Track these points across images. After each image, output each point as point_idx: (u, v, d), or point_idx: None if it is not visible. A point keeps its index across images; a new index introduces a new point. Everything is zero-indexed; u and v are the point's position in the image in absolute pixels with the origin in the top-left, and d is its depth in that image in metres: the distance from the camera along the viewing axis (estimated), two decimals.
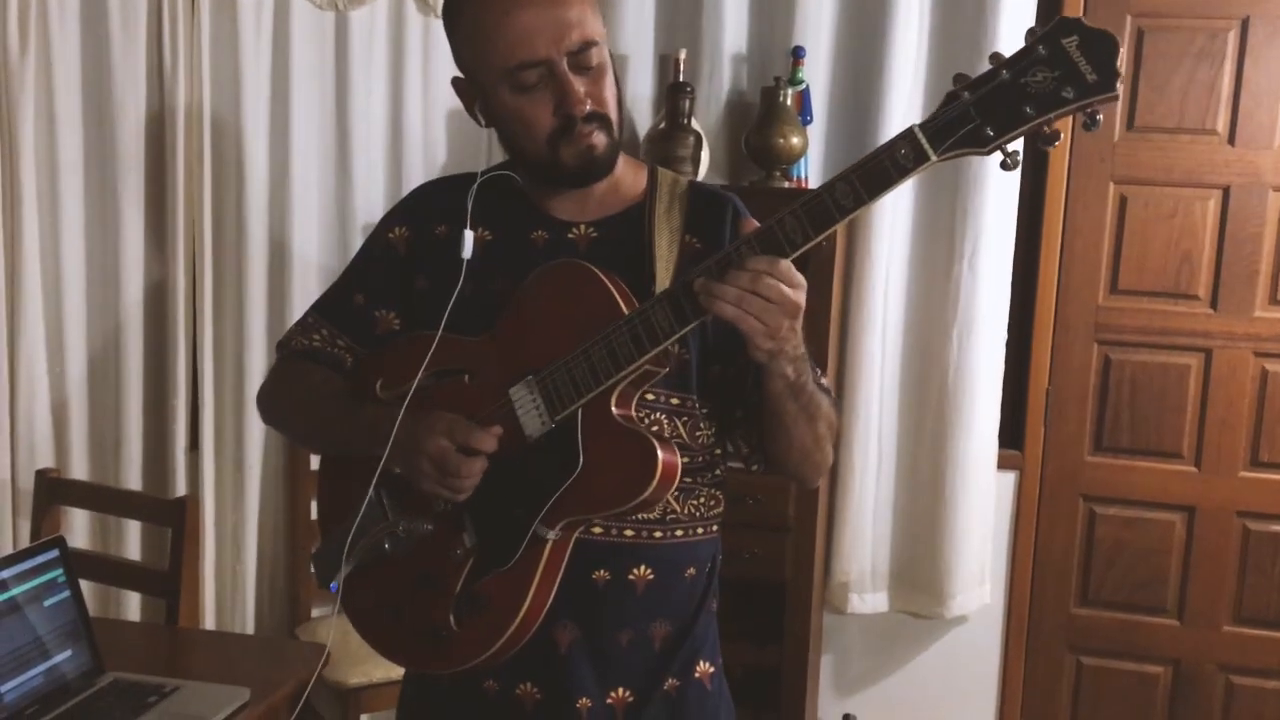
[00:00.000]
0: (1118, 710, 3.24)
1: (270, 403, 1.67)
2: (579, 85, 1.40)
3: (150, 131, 2.81)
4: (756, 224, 1.55)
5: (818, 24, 3.03)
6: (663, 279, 1.44)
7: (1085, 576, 3.23)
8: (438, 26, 2.71)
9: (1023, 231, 3.06)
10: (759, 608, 2.97)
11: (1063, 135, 1.23)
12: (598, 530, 1.45)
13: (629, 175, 1.53)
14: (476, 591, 1.43)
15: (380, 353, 1.56)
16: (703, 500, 1.53)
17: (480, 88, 1.45)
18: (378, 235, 1.60)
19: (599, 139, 1.43)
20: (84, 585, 2.66)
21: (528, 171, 1.51)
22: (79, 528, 2.79)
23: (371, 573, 1.52)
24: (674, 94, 2.96)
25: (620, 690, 1.49)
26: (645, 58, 3.12)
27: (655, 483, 1.34)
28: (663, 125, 3.00)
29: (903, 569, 3.19)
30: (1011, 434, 3.18)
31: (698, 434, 1.49)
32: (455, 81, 1.51)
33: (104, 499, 2.58)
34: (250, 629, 2.99)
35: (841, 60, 3.07)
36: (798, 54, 2.99)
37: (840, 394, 3.08)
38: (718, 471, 1.55)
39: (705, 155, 3.00)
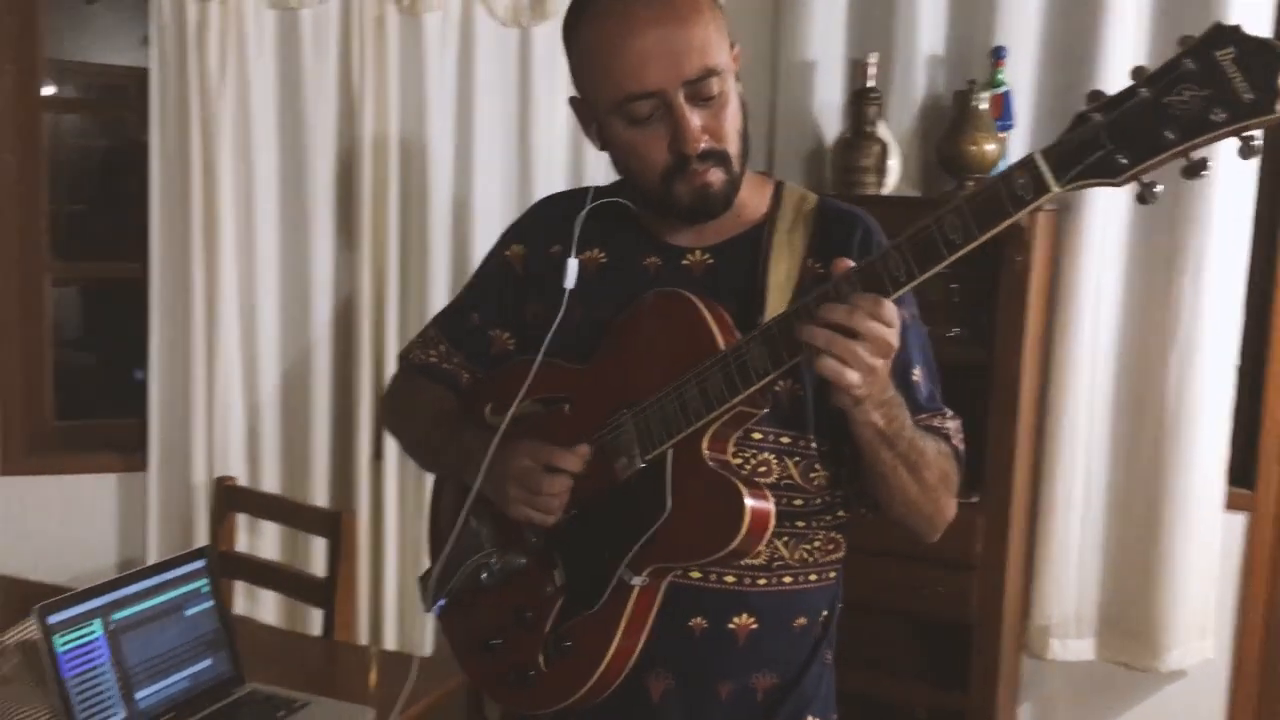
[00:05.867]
0: None
1: (388, 416, 1.69)
2: (696, 119, 1.31)
3: (340, 158, 2.92)
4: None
5: (1022, 22, 2.80)
6: (774, 309, 1.34)
7: None
8: None
9: (1262, 237, 2.72)
10: (941, 647, 2.79)
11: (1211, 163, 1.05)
12: (695, 575, 1.37)
13: (753, 195, 1.44)
14: (564, 633, 1.38)
15: (492, 375, 1.55)
16: (817, 545, 1.42)
17: (595, 113, 1.39)
18: (495, 253, 1.58)
19: (715, 176, 1.34)
20: (268, 595, 2.81)
21: (641, 199, 1.45)
22: (270, 536, 2.92)
23: (473, 604, 1.50)
24: (858, 100, 2.81)
25: None
26: (835, 62, 2.98)
27: (742, 533, 1.25)
28: (847, 135, 2.85)
29: (1112, 615, 2.89)
30: (1242, 470, 2.84)
31: (812, 475, 1.38)
32: (572, 100, 1.45)
33: (270, 507, 2.68)
34: (429, 640, 3.03)
35: (1049, 60, 2.83)
36: (998, 54, 2.78)
37: (1042, 420, 2.84)
38: (839, 513, 1.43)
39: (894, 164, 2.83)
